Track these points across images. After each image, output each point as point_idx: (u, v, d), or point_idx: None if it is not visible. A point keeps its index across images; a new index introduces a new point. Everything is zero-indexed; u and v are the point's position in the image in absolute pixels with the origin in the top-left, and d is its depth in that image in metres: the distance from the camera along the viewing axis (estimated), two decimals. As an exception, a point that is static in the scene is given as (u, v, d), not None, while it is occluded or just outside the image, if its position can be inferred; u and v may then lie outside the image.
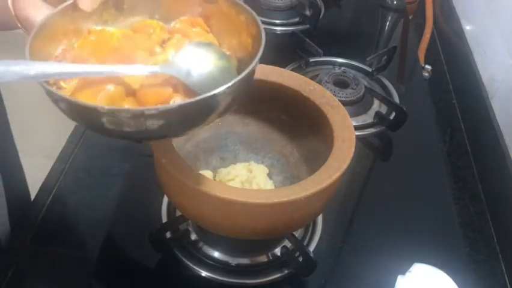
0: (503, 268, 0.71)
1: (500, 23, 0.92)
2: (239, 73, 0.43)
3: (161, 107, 0.39)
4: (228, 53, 0.51)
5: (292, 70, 0.81)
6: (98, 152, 0.80)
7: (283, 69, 0.67)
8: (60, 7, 0.45)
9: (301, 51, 0.98)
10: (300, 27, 1.06)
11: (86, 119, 0.41)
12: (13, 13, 0.48)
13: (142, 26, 0.51)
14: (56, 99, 0.40)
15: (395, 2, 1.17)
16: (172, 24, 0.52)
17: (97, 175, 0.76)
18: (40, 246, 0.67)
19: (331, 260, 0.67)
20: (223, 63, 0.47)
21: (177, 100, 0.44)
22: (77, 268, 0.65)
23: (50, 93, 0.39)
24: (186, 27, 0.52)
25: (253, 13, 0.50)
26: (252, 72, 0.44)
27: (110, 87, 0.43)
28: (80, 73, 0.42)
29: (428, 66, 1.04)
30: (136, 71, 0.43)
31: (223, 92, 0.40)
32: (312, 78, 0.79)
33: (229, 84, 0.40)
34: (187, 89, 0.44)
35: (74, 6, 0.46)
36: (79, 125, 0.82)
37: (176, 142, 0.61)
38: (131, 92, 0.44)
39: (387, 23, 1.16)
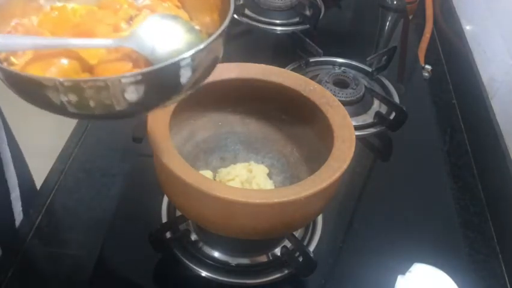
0: (503, 268, 0.71)
1: (500, 23, 0.92)
2: None
3: (112, 77, 0.36)
4: (197, 27, 0.47)
5: (292, 70, 0.81)
6: (98, 152, 0.80)
7: (283, 69, 0.67)
8: None
9: (301, 51, 0.98)
10: (300, 27, 1.06)
11: (36, 94, 0.38)
12: None
13: (109, 2, 0.48)
14: (6, 75, 0.37)
15: (395, 2, 1.17)
16: (142, 0, 0.49)
17: (97, 175, 0.76)
18: (40, 246, 0.67)
19: (331, 260, 0.67)
20: (190, 37, 0.43)
21: None
22: (77, 268, 0.65)
23: None
24: (156, 3, 0.49)
25: None
26: (218, 42, 0.41)
27: (64, 61, 0.40)
28: (30, 45, 0.39)
29: (428, 66, 1.04)
30: (93, 44, 0.41)
31: (185, 61, 0.36)
32: (312, 78, 0.79)
33: (192, 52, 0.36)
34: (148, 63, 0.41)
35: None
36: (76, 122, 0.83)
37: (176, 142, 0.62)
38: (87, 68, 0.42)
39: (387, 23, 1.16)
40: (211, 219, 0.56)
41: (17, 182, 0.78)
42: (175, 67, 0.37)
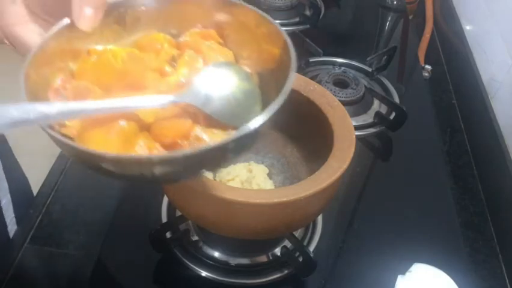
0: (503, 268, 0.71)
1: (500, 23, 0.92)
2: (262, 92, 0.39)
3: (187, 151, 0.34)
4: (248, 69, 0.45)
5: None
6: (98, 152, 0.80)
7: (283, 69, 0.67)
8: (55, 29, 0.41)
9: (301, 51, 0.98)
10: (300, 27, 1.06)
11: (94, 165, 0.37)
12: None
13: (148, 41, 0.46)
14: (62, 146, 0.36)
15: (395, 2, 1.17)
16: (182, 38, 0.47)
17: (97, 175, 0.76)
18: (40, 246, 0.67)
19: (331, 260, 0.67)
20: (246, 85, 0.42)
21: (198, 132, 0.39)
22: (77, 268, 0.65)
23: (55, 140, 0.35)
24: (197, 41, 0.46)
25: (276, 24, 0.43)
26: (287, 92, 0.39)
27: (123, 123, 0.38)
28: (86, 111, 0.37)
29: (428, 66, 1.04)
30: (150, 103, 0.38)
31: (262, 125, 0.35)
32: (312, 78, 0.79)
33: (266, 115, 0.35)
34: (208, 116, 0.39)
35: (71, 27, 0.41)
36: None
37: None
38: (145, 127, 0.39)
39: (387, 23, 1.16)
40: (211, 219, 0.56)
41: (7, 187, 0.76)
42: (256, 131, 0.36)
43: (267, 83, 0.43)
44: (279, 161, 0.69)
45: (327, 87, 0.85)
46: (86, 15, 0.40)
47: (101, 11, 0.41)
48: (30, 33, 0.43)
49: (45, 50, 0.40)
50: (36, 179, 0.82)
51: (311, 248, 0.66)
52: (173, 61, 0.45)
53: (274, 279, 0.63)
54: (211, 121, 0.40)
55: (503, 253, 0.73)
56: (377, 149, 0.86)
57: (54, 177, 0.75)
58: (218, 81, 0.41)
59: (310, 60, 0.96)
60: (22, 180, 0.85)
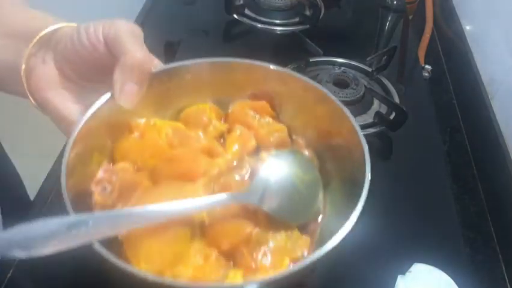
0: (503, 268, 0.71)
1: (501, 23, 0.92)
2: (321, 173, 0.37)
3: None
4: (307, 152, 0.41)
5: (292, 70, 0.80)
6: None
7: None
8: (94, 108, 0.37)
9: (301, 51, 0.98)
10: (300, 27, 1.06)
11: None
12: (27, 91, 0.41)
13: (194, 113, 0.42)
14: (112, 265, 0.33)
15: (395, 2, 1.17)
16: (230, 108, 0.43)
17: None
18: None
19: (331, 259, 0.67)
20: (309, 177, 0.39)
21: (259, 235, 0.35)
22: (77, 268, 0.64)
23: (106, 260, 0.33)
24: (247, 114, 0.42)
25: (339, 103, 0.39)
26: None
27: (177, 230, 0.34)
28: (137, 222, 0.34)
29: (428, 66, 1.04)
30: (206, 205, 0.35)
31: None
32: (312, 78, 0.78)
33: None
34: (268, 216, 0.36)
35: (111, 101, 0.38)
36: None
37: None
38: (198, 230, 0.36)
39: (387, 23, 1.16)
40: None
41: None
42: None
43: (324, 159, 0.40)
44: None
45: (327, 87, 0.85)
46: (128, 91, 0.37)
47: (144, 85, 0.38)
48: (63, 100, 0.40)
49: (84, 134, 0.37)
50: (36, 179, 0.81)
51: (311, 248, 0.66)
52: (222, 139, 0.42)
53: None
54: (273, 221, 0.36)
55: (504, 253, 0.73)
56: (377, 148, 0.86)
57: (54, 177, 0.75)
58: (279, 175, 0.37)
59: (310, 60, 0.96)
60: (16, 184, 0.82)
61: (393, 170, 0.82)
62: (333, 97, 0.40)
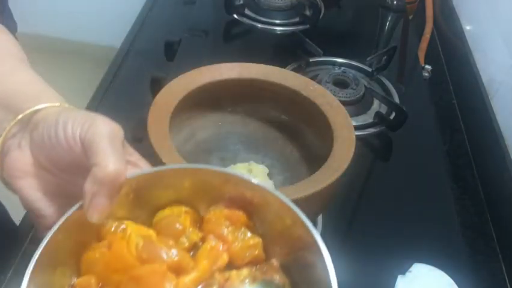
0: (503, 268, 0.71)
1: (500, 23, 0.92)
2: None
3: None
4: (279, 283, 0.40)
5: (292, 70, 0.81)
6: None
7: (283, 69, 0.67)
8: (63, 219, 0.36)
9: (301, 51, 0.98)
10: (300, 27, 1.06)
11: None
12: (0, 174, 0.40)
13: (168, 219, 0.41)
14: None
15: (395, 2, 1.17)
16: (206, 214, 0.42)
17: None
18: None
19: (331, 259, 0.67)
20: None
21: None
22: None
23: None
24: (222, 224, 0.41)
25: (310, 226, 0.39)
26: None
27: None
28: None
29: (428, 66, 1.04)
30: None
31: None
32: (312, 78, 0.79)
33: None
34: None
35: (79, 216, 0.36)
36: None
37: (176, 142, 0.62)
38: None
39: (387, 23, 1.16)
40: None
41: None
42: None
43: (296, 282, 0.40)
44: (279, 161, 0.69)
45: (327, 87, 0.85)
46: (97, 205, 0.36)
47: (115, 198, 0.37)
48: (33, 191, 0.39)
49: (50, 246, 0.35)
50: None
51: (311, 248, 0.66)
52: (192, 251, 0.40)
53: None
54: None
55: (503, 253, 0.73)
56: (376, 149, 0.86)
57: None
58: None
59: (310, 60, 0.96)
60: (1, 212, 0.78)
61: (393, 170, 0.83)
62: (305, 220, 0.39)
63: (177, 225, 0.41)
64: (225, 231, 0.41)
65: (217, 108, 0.69)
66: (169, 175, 0.41)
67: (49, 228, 0.37)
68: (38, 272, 0.34)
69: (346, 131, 0.58)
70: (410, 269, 0.62)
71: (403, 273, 0.62)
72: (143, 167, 0.41)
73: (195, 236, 0.41)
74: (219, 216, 0.42)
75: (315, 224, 0.69)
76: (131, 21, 1.09)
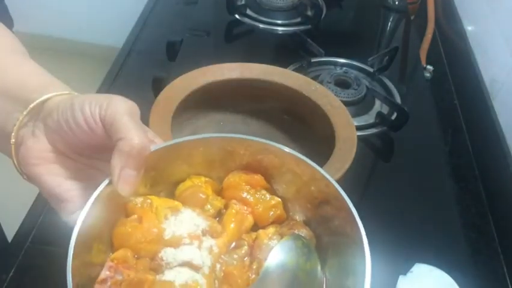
0: (505, 269, 0.71)
1: (502, 24, 0.92)
2: (318, 250, 0.39)
3: None
4: (305, 233, 0.42)
5: (294, 70, 0.81)
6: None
7: (285, 69, 0.67)
8: (94, 196, 0.37)
9: (303, 51, 0.98)
10: (301, 27, 1.06)
11: None
12: (15, 163, 0.41)
13: (190, 190, 0.42)
14: None
15: (396, 3, 1.17)
16: (226, 179, 0.43)
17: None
18: (40, 245, 0.67)
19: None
20: (310, 265, 0.40)
21: None
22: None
23: None
24: (242, 190, 0.43)
25: (331, 179, 0.40)
26: None
27: None
28: None
29: (429, 67, 1.04)
30: None
31: None
32: (313, 78, 0.79)
33: None
34: None
35: (110, 188, 0.37)
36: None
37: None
38: None
39: (389, 24, 1.16)
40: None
41: None
42: None
43: (319, 234, 0.41)
44: (280, 161, 0.69)
45: (329, 88, 0.85)
46: (127, 178, 0.37)
47: (142, 170, 0.38)
48: (54, 177, 0.39)
49: (85, 225, 0.36)
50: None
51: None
52: (218, 218, 0.42)
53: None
54: None
55: (505, 254, 0.73)
56: (378, 149, 0.86)
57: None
58: (282, 267, 0.38)
59: (312, 60, 0.96)
60: None
61: (395, 171, 0.82)
62: (324, 172, 0.41)
63: (200, 195, 0.42)
64: (246, 195, 0.42)
65: (218, 108, 0.69)
66: (187, 147, 0.42)
67: (72, 212, 0.39)
68: (79, 251, 0.36)
69: (348, 131, 0.58)
70: (412, 269, 0.62)
71: (404, 273, 0.62)
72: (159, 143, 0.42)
73: (219, 202, 0.43)
74: (238, 181, 0.43)
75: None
76: (133, 21, 1.10)
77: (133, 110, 0.38)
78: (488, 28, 0.97)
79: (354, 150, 0.56)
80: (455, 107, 0.98)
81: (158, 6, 1.14)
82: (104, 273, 0.37)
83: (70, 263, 0.35)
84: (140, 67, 0.98)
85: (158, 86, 0.76)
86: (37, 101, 0.40)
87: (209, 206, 0.42)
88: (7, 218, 0.77)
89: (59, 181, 0.39)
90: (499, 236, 0.75)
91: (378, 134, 0.85)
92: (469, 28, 1.05)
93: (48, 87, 0.41)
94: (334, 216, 0.40)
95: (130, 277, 0.37)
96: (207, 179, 0.44)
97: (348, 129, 0.59)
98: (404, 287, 0.61)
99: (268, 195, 0.43)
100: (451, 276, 0.61)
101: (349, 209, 0.40)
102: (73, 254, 0.36)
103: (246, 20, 1.07)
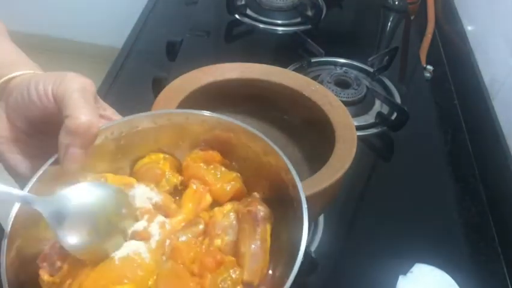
0: (505, 268, 0.71)
1: (502, 24, 0.92)
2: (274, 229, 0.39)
3: None
4: (266, 213, 0.41)
5: (294, 70, 0.81)
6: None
7: (285, 69, 0.67)
8: (41, 171, 0.37)
9: (303, 51, 0.98)
10: (301, 27, 1.06)
11: None
12: None
13: (147, 166, 0.43)
14: None
15: (396, 3, 1.17)
16: (184, 162, 0.44)
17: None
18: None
19: (332, 260, 0.67)
20: (119, 209, 0.39)
21: None
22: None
23: None
24: (199, 168, 0.43)
25: (285, 158, 0.40)
26: None
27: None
28: None
29: (429, 67, 1.04)
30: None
31: None
32: (313, 78, 0.79)
33: None
34: None
35: (55, 166, 0.37)
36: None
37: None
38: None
39: (389, 24, 1.16)
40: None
41: None
42: None
43: (276, 213, 0.41)
44: (280, 161, 0.69)
45: (329, 88, 0.85)
46: (72, 155, 0.37)
47: (89, 148, 0.38)
48: (13, 155, 0.40)
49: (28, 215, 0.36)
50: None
51: (312, 249, 0.66)
52: (175, 189, 0.42)
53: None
54: None
55: (505, 254, 0.73)
56: (378, 149, 0.86)
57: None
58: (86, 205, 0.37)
59: (312, 60, 0.96)
60: None
61: (395, 170, 0.83)
62: (276, 148, 0.40)
63: (156, 170, 0.42)
64: (204, 173, 0.42)
65: (218, 108, 0.69)
66: (143, 122, 0.42)
67: None
68: (25, 224, 0.36)
69: (348, 131, 0.58)
70: (412, 269, 0.62)
71: (404, 273, 0.62)
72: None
73: (174, 178, 0.43)
74: (195, 159, 0.43)
75: (316, 224, 0.69)
76: (133, 21, 1.10)
77: (86, 87, 0.38)
78: (488, 28, 0.97)
79: (354, 150, 0.56)
80: (455, 107, 0.98)
81: (158, 6, 1.14)
82: (47, 250, 0.37)
83: (10, 227, 0.35)
84: (140, 67, 0.98)
85: (158, 86, 0.76)
86: (2, 80, 0.41)
87: (165, 183, 0.42)
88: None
89: (20, 159, 0.40)
90: (499, 235, 0.75)
91: (378, 134, 0.85)
92: (469, 28, 1.05)
93: (17, 66, 0.42)
94: (290, 200, 0.39)
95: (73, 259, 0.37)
96: (166, 156, 0.44)
97: (348, 129, 0.59)
98: (404, 287, 0.61)
99: (225, 171, 0.43)
100: (450, 276, 0.61)
101: (296, 183, 0.38)
102: (12, 226, 0.35)
103: (246, 20, 1.07)
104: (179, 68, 0.71)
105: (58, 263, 0.36)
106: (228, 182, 0.43)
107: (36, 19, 2.07)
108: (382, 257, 0.67)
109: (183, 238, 0.39)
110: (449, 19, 1.14)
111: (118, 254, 0.37)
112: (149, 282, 0.37)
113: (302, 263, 0.62)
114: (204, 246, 0.39)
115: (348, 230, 0.72)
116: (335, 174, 0.53)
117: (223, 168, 0.43)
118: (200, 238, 0.40)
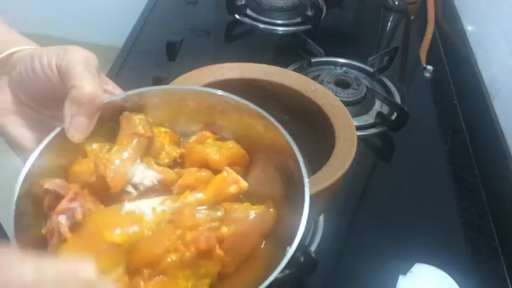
0: (505, 268, 0.71)
1: (502, 24, 0.92)
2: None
3: None
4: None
5: (294, 70, 0.80)
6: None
7: (285, 69, 0.67)
8: (47, 139, 0.38)
9: (303, 51, 0.98)
10: (301, 27, 1.06)
11: None
12: None
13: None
14: None
15: (396, 3, 1.17)
16: (183, 144, 0.44)
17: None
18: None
19: (332, 260, 0.67)
20: None
21: None
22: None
23: None
24: (194, 146, 0.44)
25: (285, 133, 0.42)
26: None
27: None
28: None
29: (429, 67, 1.04)
30: None
31: None
32: (313, 78, 0.79)
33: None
34: None
35: (61, 137, 0.38)
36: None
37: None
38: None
39: (389, 24, 1.16)
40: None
41: None
42: None
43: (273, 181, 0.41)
44: (280, 161, 0.69)
45: (329, 88, 0.85)
46: (77, 125, 0.38)
47: (94, 118, 0.38)
48: (17, 127, 0.41)
49: (37, 166, 0.37)
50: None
51: (313, 248, 0.66)
52: (174, 162, 0.43)
53: (276, 279, 0.63)
54: None
55: (505, 254, 0.73)
56: (378, 149, 0.86)
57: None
58: None
59: (312, 60, 0.96)
60: None
61: (395, 171, 0.83)
62: (274, 122, 0.42)
63: (156, 144, 0.42)
64: (199, 148, 0.43)
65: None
66: (145, 97, 0.43)
67: None
68: (30, 191, 0.36)
69: (348, 131, 0.58)
70: (412, 269, 0.62)
71: (404, 273, 0.62)
72: None
73: (174, 151, 0.43)
74: (191, 145, 0.44)
75: (316, 223, 0.69)
76: (133, 21, 1.10)
77: (89, 60, 0.39)
78: (488, 28, 0.97)
79: (354, 150, 0.56)
80: (455, 107, 0.98)
81: (158, 6, 1.14)
82: (65, 204, 0.37)
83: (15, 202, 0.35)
84: (140, 67, 0.98)
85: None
86: (3, 54, 0.41)
87: (164, 156, 0.43)
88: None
89: (22, 131, 0.41)
90: (499, 235, 0.75)
91: (378, 134, 0.85)
92: (468, 28, 1.05)
93: (17, 43, 0.42)
94: (287, 169, 0.41)
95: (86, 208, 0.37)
96: (166, 129, 0.44)
97: (348, 129, 0.59)
98: (404, 287, 0.61)
99: (220, 142, 0.44)
100: (451, 276, 0.61)
101: (294, 154, 0.41)
102: (19, 192, 0.35)
103: (246, 20, 1.07)
104: (179, 68, 0.71)
105: (79, 209, 0.37)
106: (225, 148, 0.43)
107: (36, 19, 2.07)
108: (382, 257, 0.67)
109: (200, 215, 0.39)
110: (449, 19, 1.14)
111: (126, 207, 0.38)
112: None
113: (302, 262, 0.62)
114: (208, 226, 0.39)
115: (348, 230, 0.72)
116: (335, 174, 0.53)
117: (218, 142, 0.44)
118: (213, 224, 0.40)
